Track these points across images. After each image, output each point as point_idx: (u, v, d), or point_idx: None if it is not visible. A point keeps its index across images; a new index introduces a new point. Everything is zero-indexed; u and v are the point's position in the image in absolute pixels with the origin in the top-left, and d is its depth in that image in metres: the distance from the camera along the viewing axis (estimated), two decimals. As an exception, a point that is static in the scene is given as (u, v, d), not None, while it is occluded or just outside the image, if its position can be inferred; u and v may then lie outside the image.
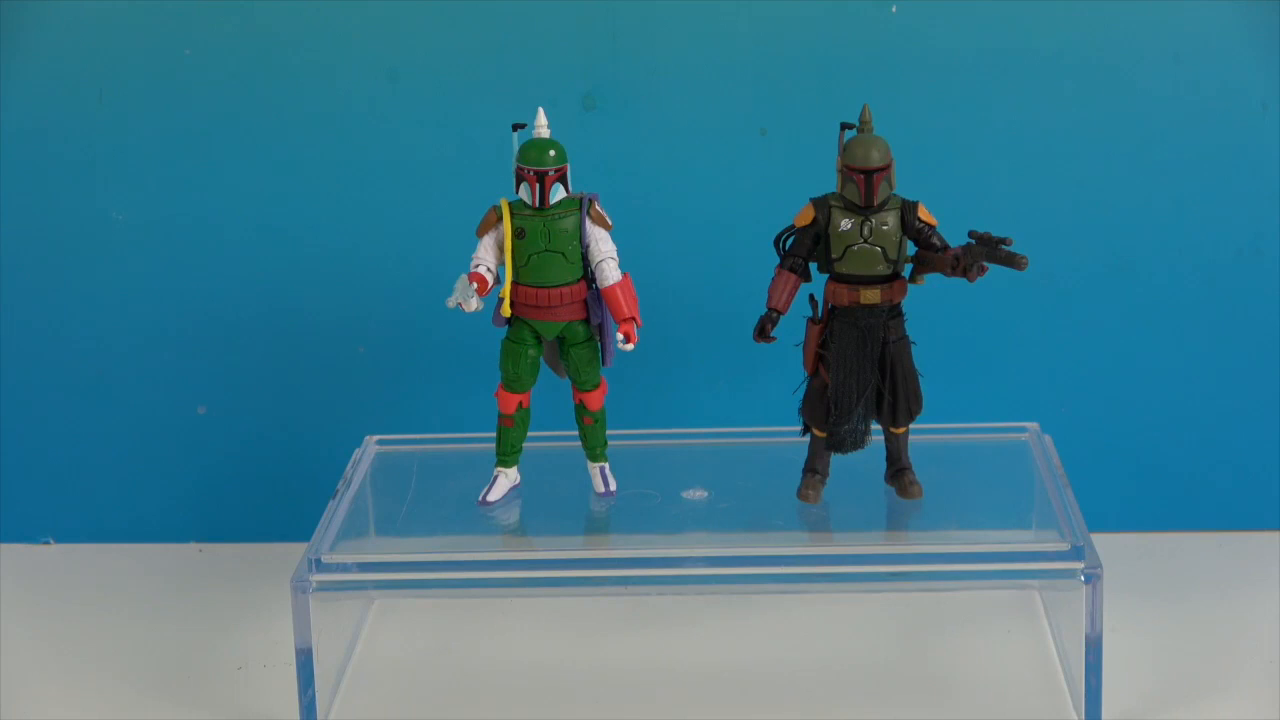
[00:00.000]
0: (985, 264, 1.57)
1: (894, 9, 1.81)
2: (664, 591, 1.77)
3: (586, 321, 1.66)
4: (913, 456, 1.68)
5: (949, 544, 1.60)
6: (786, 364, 1.67)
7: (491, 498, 1.69)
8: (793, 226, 1.63)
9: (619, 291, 1.64)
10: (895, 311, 1.62)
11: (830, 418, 1.64)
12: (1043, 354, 1.88)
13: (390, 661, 1.70)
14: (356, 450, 1.80)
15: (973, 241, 1.58)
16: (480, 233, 1.64)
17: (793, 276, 1.63)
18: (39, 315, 1.90)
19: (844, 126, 1.61)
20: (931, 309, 1.69)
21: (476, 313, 1.64)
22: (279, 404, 1.92)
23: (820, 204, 1.61)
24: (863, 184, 1.59)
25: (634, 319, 1.64)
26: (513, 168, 1.63)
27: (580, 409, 1.69)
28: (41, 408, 1.92)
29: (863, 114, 1.61)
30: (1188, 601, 1.76)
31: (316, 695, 1.59)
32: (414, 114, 1.85)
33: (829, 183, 1.62)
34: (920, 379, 1.64)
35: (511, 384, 1.67)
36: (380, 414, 1.89)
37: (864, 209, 1.60)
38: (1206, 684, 1.62)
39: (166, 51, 1.84)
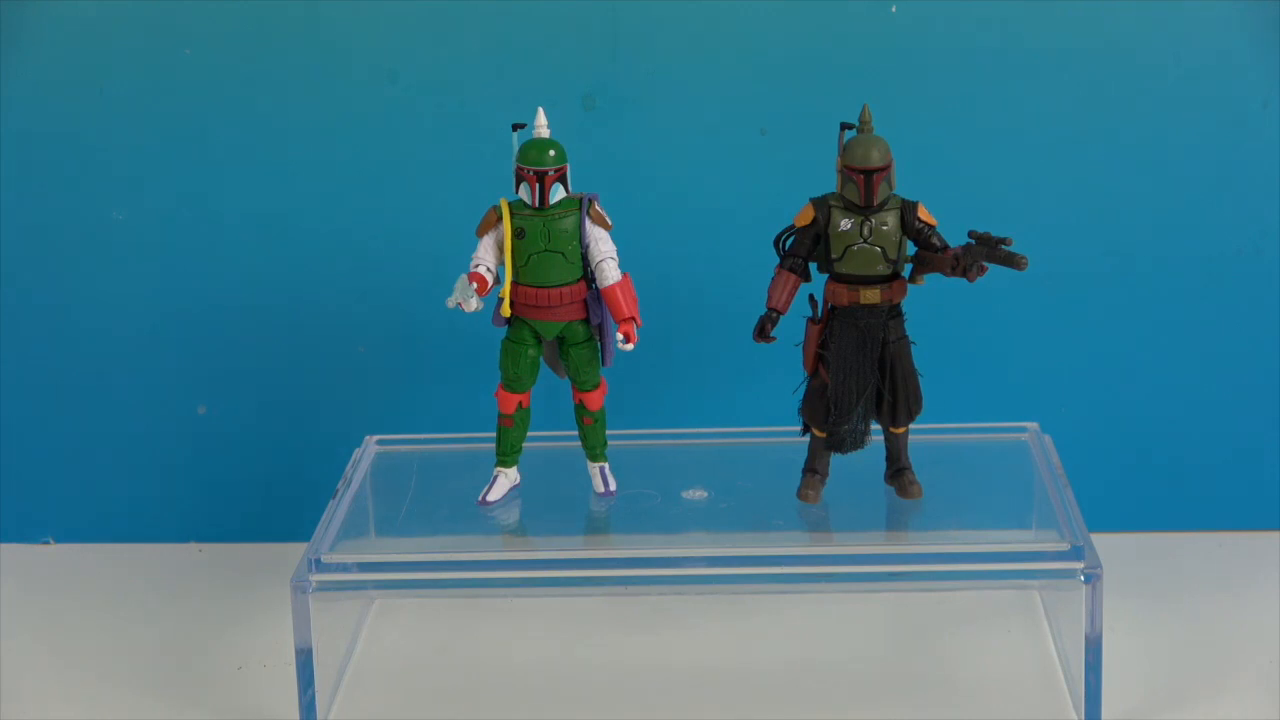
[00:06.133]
0: (985, 264, 1.57)
1: (894, 9, 1.81)
2: (664, 591, 1.77)
3: (586, 321, 1.66)
4: (913, 456, 1.68)
5: (949, 544, 1.60)
6: (786, 364, 1.67)
7: (491, 498, 1.69)
8: (792, 226, 1.63)
9: (619, 291, 1.64)
10: (895, 311, 1.62)
11: (830, 418, 1.64)
12: (1043, 354, 1.88)
13: (390, 661, 1.70)
14: (356, 450, 1.80)
15: (972, 241, 1.58)
16: (480, 233, 1.64)
17: (792, 276, 1.63)
18: (39, 315, 1.90)
19: (844, 126, 1.61)
20: (931, 309, 1.69)
21: (476, 313, 1.64)
22: (279, 404, 1.92)
23: (820, 204, 1.62)
24: (862, 184, 1.59)
25: (634, 319, 1.64)
26: (513, 168, 1.63)
27: (580, 409, 1.69)
28: (41, 408, 1.92)
29: (863, 114, 1.61)
30: (1188, 601, 1.76)
31: (316, 695, 1.59)
32: (414, 114, 1.85)
33: (829, 183, 1.63)
34: (920, 379, 1.64)
35: (511, 384, 1.67)
36: (380, 414, 1.89)
37: (864, 209, 1.60)
38: (1206, 684, 1.62)
39: (166, 51, 1.84)
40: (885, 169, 1.60)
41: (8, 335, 1.90)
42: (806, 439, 1.68)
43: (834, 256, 1.61)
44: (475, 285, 1.62)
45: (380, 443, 1.82)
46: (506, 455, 1.70)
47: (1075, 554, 1.56)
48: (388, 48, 1.84)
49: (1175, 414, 1.88)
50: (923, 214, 1.61)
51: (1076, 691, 1.58)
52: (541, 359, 1.67)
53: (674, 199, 1.85)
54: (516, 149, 1.63)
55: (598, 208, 1.64)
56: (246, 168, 1.86)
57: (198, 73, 1.84)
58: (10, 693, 1.66)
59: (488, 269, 1.64)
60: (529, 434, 1.71)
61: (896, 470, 1.68)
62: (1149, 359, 1.87)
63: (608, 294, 1.64)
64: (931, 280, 1.63)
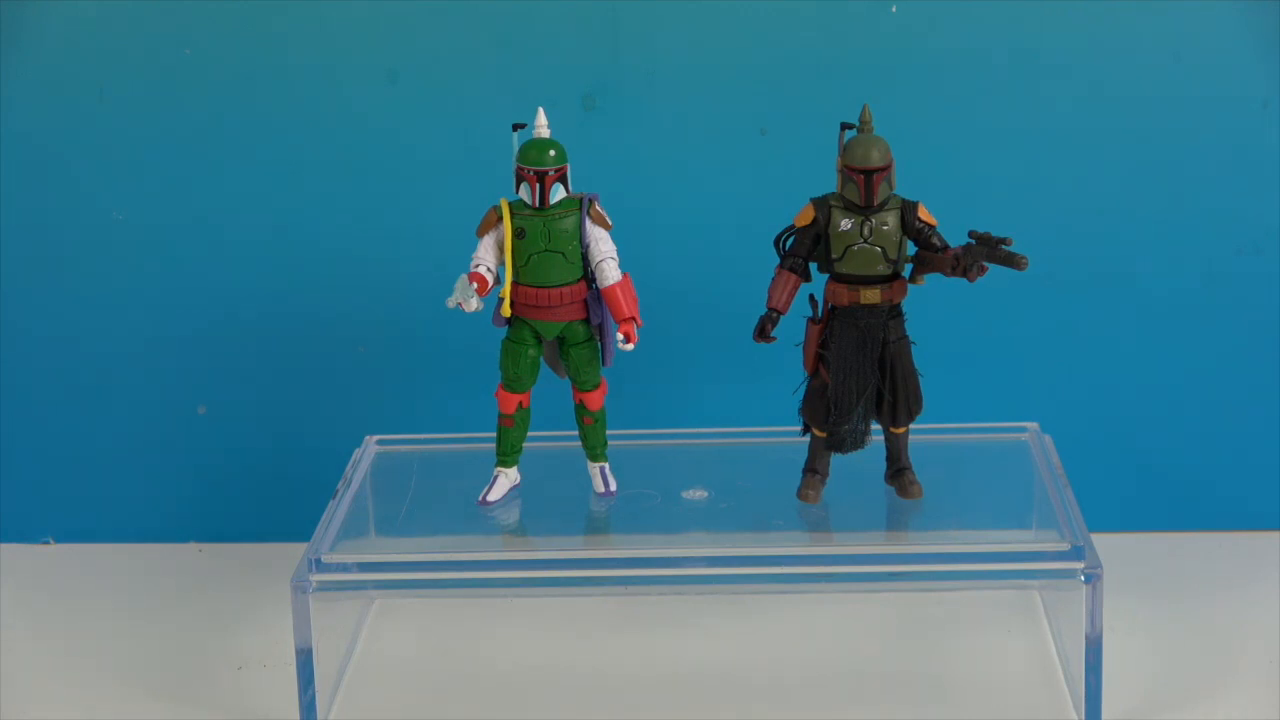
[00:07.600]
0: (985, 264, 1.57)
1: (894, 9, 1.81)
2: (664, 591, 1.77)
3: (586, 321, 1.66)
4: (913, 456, 1.68)
5: (949, 544, 1.60)
6: (786, 364, 1.67)
7: (491, 498, 1.69)
8: (793, 226, 1.63)
9: (619, 291, 1.64)
10: (895, 311, 1.62)
11: (830, 418, 1.64)
12: (1043, 354, 1.88)
13: (390, 661, 1.70)
14: (356, 450, 1.80)
15: (973, 241, 1.58)
16: (480, 233, 1.64)
17: (793, 276, 1.63)
18: (39, 315, 1.90)
19: (844, 126, 1.61)
20: (931, 309, 1.69)
21: (476, 313, 1.64)
22: (279, 404, 1.92)
23: (820, 204, 1.62)
24: (863, 184, 1.59)
25: (634, 319, 1.64)
26: (513, 168, 1.63)
27: (580, 409, 1.69)
28: (41, 408, 1.92)
29: (863, 114, 1.61)
30: (1188, 601, 1.76)
31: (316, 695, 1.59)
32: (414, 114, 1.85)
33: (829, 183, 1.63)
34: (920, 379, 1.64)
35: (511, 384, 1.67)
36: (380, 414, 1.89)
37: (864, 209, 1.60)
38: (1206, 684, 1.62)
39: (166, 51, 1.84)
40: (885, 169, 1.60)
41: (8, 335, 1.90)
42: (806, 439, 1.68)
43: (834, 256, 1.61)
44: (475, 285, 1.62)
45: (380, 443, 1.82)
46: (506, 455, 1.70)
47: (1075, 554, 1.56)
48: (388, 48, 1.84)
49: (1175, 414, 1.88)
50: (923, 214, 1.61)
51: (1076, 691, 1.58)
52: (541, 359, 1.68)
53: (674, 199, 1.85)
54: (516, 149, 1.63)
55: (598, 208, 1.64)
56: (246, 168, 1.86)
57: (198, 73, 1.84)
58: (10, 693, 1.66)
59: (488, 269, 1.64)
60: (529, 434, 1.71)
61: (896, 470, 1.68)
62: (1149, 359, 1.87)
63: (608, 294, 1.64)
64: (931, 280, 1.63)
